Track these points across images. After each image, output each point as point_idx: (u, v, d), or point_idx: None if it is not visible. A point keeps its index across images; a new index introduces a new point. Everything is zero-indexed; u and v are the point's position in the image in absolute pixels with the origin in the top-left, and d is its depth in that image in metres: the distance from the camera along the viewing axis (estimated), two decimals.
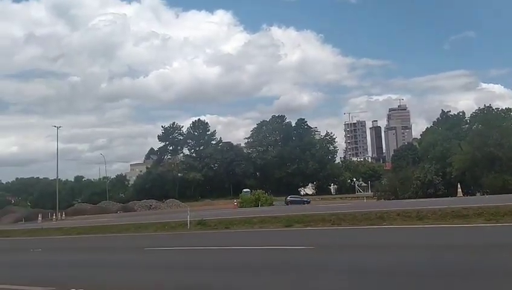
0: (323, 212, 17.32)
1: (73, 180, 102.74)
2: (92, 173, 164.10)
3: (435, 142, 63.66)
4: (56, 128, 60.51)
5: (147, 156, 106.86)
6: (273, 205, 42.64)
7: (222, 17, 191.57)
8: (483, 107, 63.33)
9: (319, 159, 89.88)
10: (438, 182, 51.31)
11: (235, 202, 46.24)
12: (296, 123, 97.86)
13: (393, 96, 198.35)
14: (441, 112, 75.45)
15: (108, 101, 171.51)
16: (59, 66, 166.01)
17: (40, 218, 42.35)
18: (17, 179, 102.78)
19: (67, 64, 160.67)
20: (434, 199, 27.68)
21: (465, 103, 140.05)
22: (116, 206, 63.63)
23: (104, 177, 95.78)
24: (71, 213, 55.61)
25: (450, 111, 73.26)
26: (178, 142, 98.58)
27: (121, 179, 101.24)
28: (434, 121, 76.85)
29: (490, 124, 54.56)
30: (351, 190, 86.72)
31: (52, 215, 48.26)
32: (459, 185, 35.70)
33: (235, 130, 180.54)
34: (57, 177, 69.30)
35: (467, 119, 66.76)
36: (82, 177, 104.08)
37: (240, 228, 16.63)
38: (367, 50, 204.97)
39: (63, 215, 50.28)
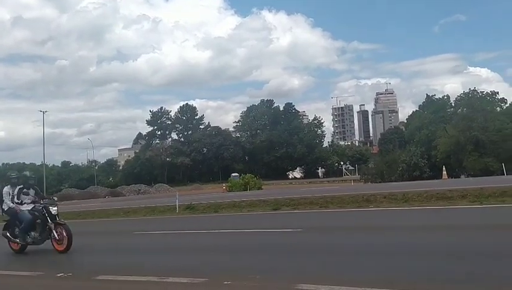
0: (311, 195, 17.48)
1: (60, 165, 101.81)
2: (80, 158, 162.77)
3: (421, 126, 64.48)
4: (42, 113, 59.78)
5: (135, 141, 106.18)
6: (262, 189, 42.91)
7: (212, 0, 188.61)
8: (468, 90, 64.22)
9: (307, 143, 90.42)
10: (423, 165, 52.26)
11: (224, 186, 46.34)
12: (284, 107, 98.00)
13: (382, 80, 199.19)
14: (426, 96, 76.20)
15: (96, 85, 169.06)
16: (47, 50, 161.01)
17: None
18: (3, 164, 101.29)
19: (56, 48, 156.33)
20: (420, 182, 28.16)
21: (452, 87, 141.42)
22: (105, 191, 63.33)
23: (92, 162, 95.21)
24: (58, 198, 54.93)
25: (434, 95, 74.13)
26: (166, 127, 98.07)
27: (111, 163, 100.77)
28: (420, 105, 77.62)
29: (475, 108, 55.42)
30: (339, 173, 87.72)
31: None
32: (444, 168, 36.34)
33: (224, 114, 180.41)
34: (44, 162, 68.92)
35: (451, 103, 67.58)
36: (69, 162, 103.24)
37: (228, 212, 16.74)
38: (357, 34, 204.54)
39: None
